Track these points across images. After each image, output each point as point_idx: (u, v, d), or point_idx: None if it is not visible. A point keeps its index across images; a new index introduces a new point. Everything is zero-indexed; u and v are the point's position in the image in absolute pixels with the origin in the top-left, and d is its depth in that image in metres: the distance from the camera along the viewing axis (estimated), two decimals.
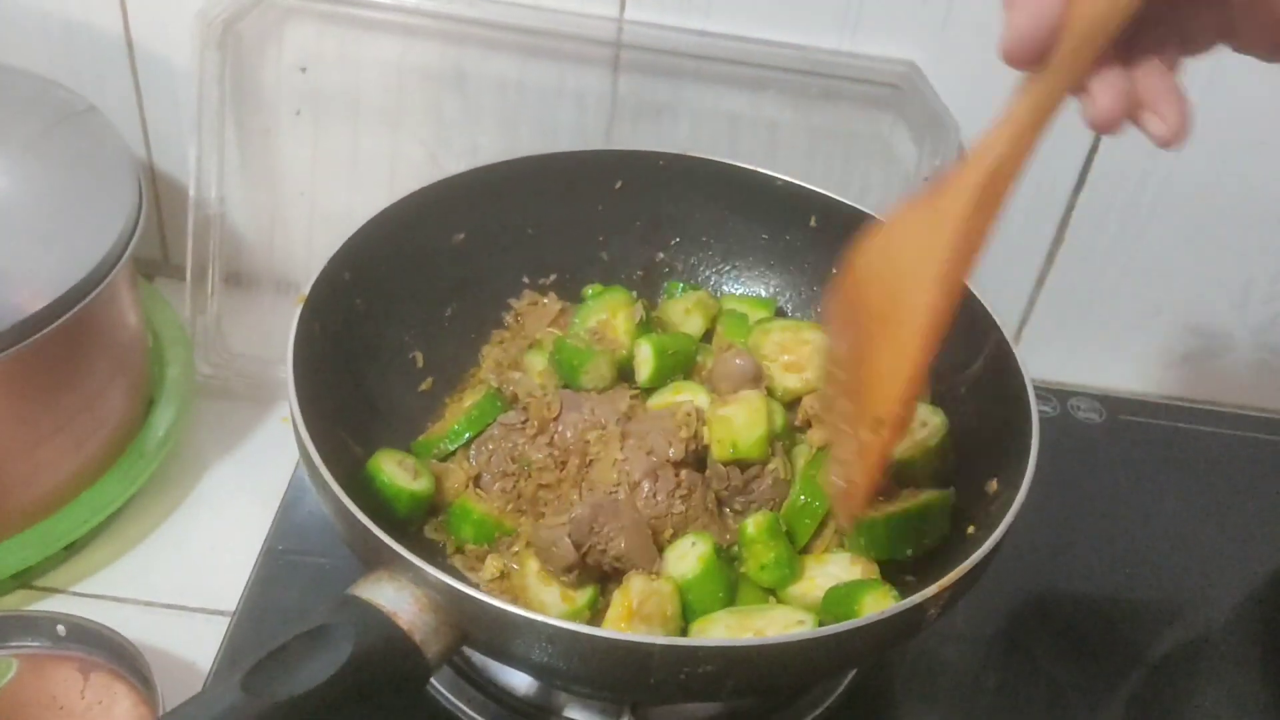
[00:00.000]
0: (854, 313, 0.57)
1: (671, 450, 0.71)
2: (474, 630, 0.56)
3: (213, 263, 0.94)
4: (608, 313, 0.82)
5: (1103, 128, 0.49)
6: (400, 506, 0.71)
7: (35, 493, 0.80)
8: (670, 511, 0.69)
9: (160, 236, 1.04)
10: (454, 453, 0.77)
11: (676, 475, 0.70)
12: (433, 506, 0.74)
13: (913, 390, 0.55)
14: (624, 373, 0.80)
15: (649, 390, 0.79)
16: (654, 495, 0.70)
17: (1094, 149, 0.94)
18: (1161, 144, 0.49)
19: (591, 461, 0.73)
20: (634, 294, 0.84)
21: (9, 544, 0.78)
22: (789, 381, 0.79)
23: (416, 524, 0.73)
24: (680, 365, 0.80)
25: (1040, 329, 1.04)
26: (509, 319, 0.85)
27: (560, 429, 0.75)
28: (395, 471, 0.72)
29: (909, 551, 0.68)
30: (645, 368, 0.80)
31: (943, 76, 0.90)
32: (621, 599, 0.65)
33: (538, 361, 0.82)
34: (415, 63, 0.92)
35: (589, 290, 0.85)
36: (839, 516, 0.68)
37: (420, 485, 0.72)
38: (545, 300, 0.85)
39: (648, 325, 0.82)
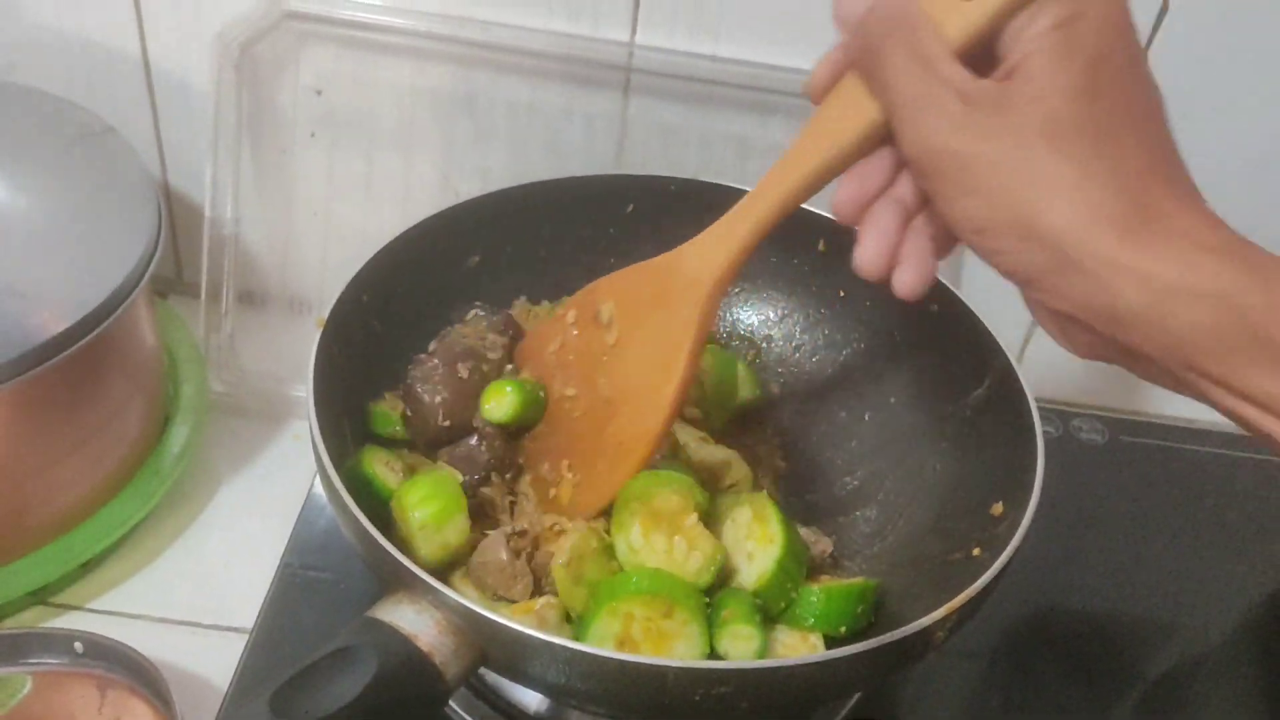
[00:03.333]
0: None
1: None
2: (493, 651, 0.57)
3: (227, 281, 0.95)
4: None
5: (864, 272, 0.54)
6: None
7: (53, 510, 0.81)
8: None
9: (174, 254, 1.06)
10: None
11: None
12: None
13: (657, 445, 0.65)
14: None
15: None
16: None
17: None
18: (901, 294, 0.54)
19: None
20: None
21: (26, 561, 0.79)
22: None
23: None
24: None
25: (1042, 349, 1.05)
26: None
27: None
28: (384, 472, 0.71)
29: (843, 629, 0.66)
30: None
31: None
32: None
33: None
34: (428, 86, 0.93)
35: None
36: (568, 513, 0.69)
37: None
38: (536, 309, 0.85)
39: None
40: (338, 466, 0.62)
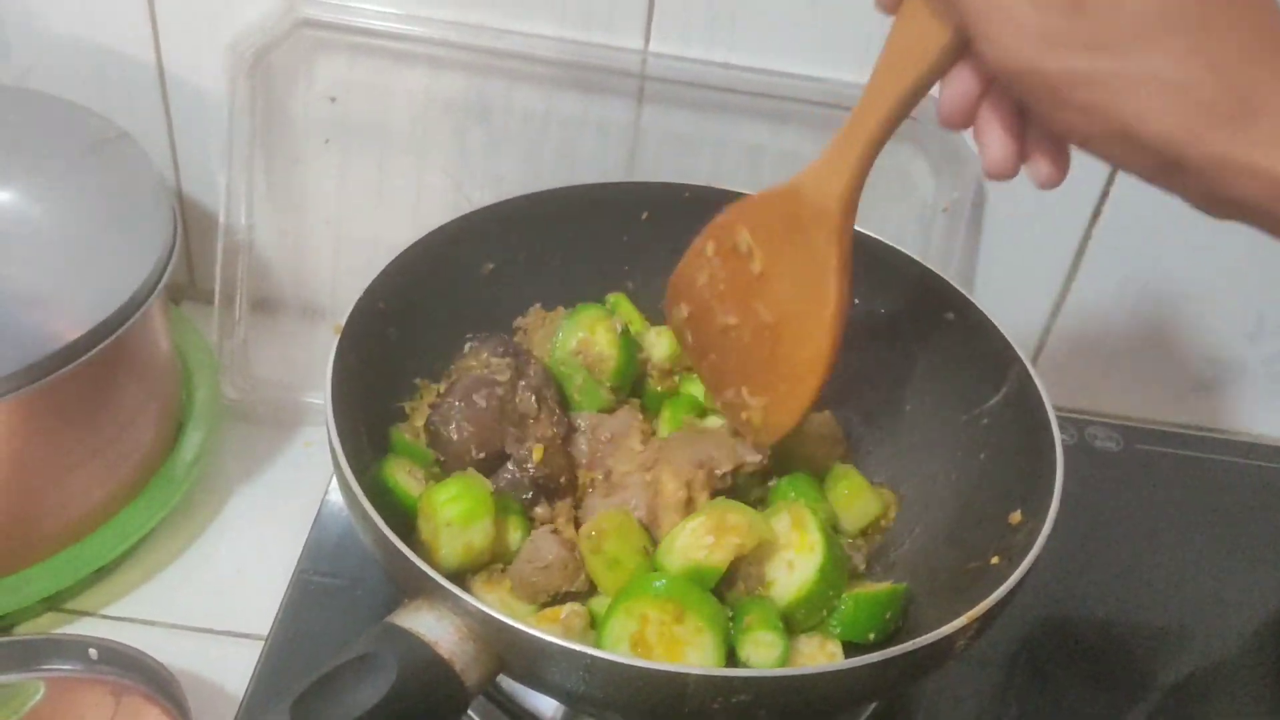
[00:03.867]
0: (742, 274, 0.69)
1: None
2: (512, 658, 0.57)
3: (240, 288, 0.95)
4: (586, 330, 0.81)
5: (993, 176, 0.54)
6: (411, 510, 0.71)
7: (67, 517, 0.81)
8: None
9: (188, 261, 1.06)
10: None
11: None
12: None
13: (831, 364, 0.67)
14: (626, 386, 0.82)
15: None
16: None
17: (1111, 180, 0.95)
18: (1040, 186, 0.54)
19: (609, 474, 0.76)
20: (608, 305, 0.85)
21: (41, 568, 0.79)
22: None
23: None
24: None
25: (1057, 357, 1.05)
26: (519, 336, 0.86)
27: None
28: (405, 480, 0.72)
29: (871, 636, 0.67)
30: (660, 345, 0.83)
31: None
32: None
33: None
34: (442, 94, 0.93)
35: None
36: (761, 437, 0.72)
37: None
38: (550, 315, 0.85)
39: (629, 337, 0.82)
40: (357, 473, 0.62)
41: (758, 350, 0.70)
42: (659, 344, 0.84)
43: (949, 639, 0.57)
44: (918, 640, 0.57)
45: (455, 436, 0.74)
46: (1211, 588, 0.92)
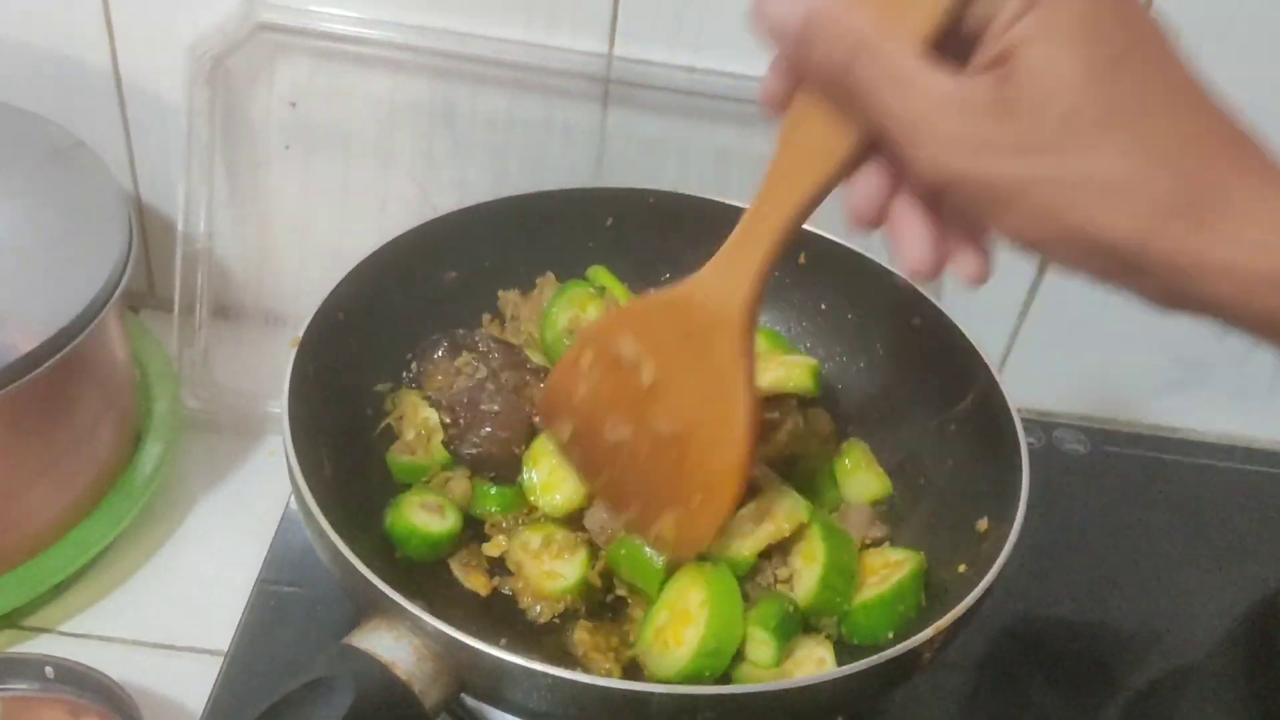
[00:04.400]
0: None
1: None
2: (472, 679, 0.56)
3: (200, 297, 0.94)
4: (576, 308, 0.81)
5: (914, 276, 0.51)
6: (433, 550, 0.71)
7: (23, 532, 0.79)
8: None
9: (147, 268, 1.04)
10: None
11: None
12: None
13: (746, 475, 0.63)
14: None
15: None
16: None
17: None
18: (969, 284, 0.51)
19: None
20: (590, 278, 0.84)
21: None
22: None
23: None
24: None
25: (1024, 358, 1.05)
26: (506, 313, 0.84)
27: None
28: (423, 518, 0.71)
29: (890, 634, 0.65)
30: None
31: None
32: None
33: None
34: (405, 98, 0.92)
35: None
36: (677, 552, 0.68)
37: (450, 523, 0.72)
38: (540, 280, 0.84)
39: None
40: (313, 489, 0.61)
41: (660, 464, 0.65)
42: None
43: (914, 652, 0.57)
44: (882, 654, 0.56)
45: (496, 451, 0.74)
46: (1180, 590, 0.92)
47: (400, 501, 0.72)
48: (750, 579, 0.68)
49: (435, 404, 0.76)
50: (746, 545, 0.68)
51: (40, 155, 0.86)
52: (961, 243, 0.50)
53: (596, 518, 0.71)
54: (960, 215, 0.49)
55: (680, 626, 0.64)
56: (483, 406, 0.74)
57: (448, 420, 0.75)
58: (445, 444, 0.75)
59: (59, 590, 0.82)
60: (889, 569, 0.69)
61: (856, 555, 0.69)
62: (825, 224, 0.83)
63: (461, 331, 0.79)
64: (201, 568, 0.86)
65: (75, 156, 0.86)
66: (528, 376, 0.76)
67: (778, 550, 0.69)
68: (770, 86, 0.52)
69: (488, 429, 0.74)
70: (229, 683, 0.75)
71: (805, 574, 0.68)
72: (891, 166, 0.50)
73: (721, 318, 0.60)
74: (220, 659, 0.77)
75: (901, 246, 0.50)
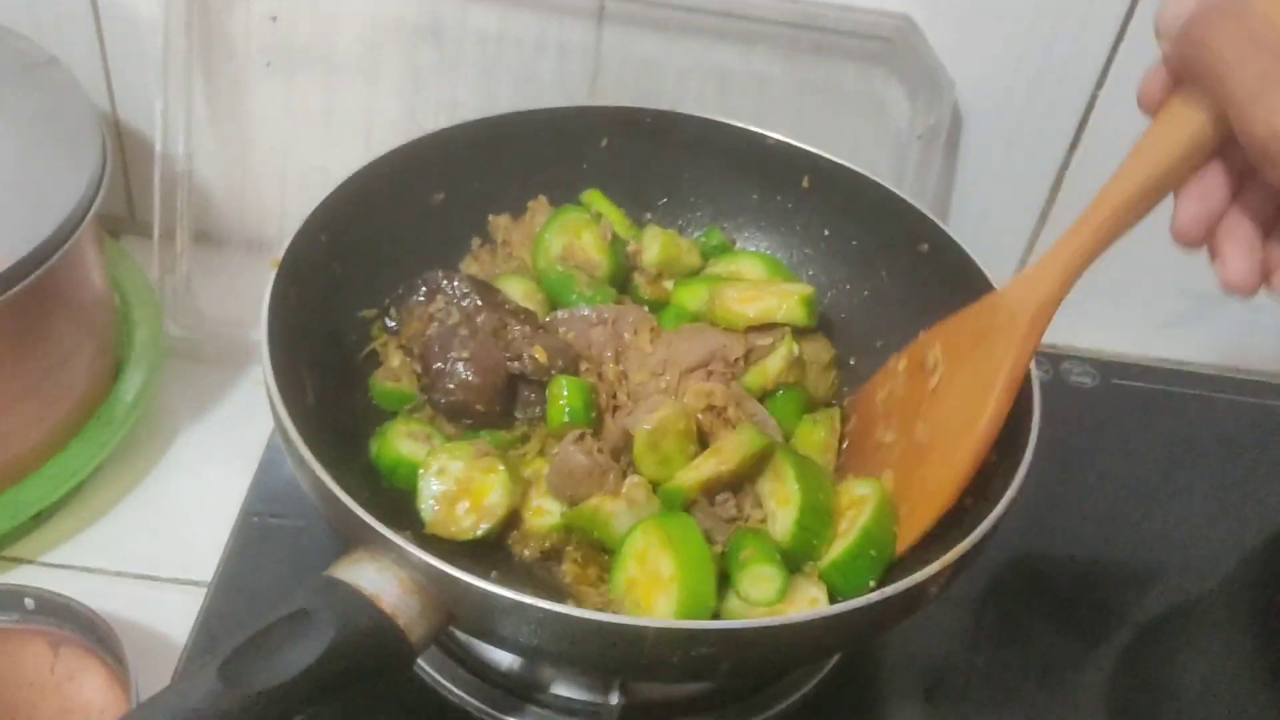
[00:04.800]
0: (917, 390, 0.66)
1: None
2: (460, 613, 0.54)
3: (181, 221, 0.90)
4: (570, 234, 0.78)
5: (1234, 292, 0.51)
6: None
7: (2, 460, 0.77)
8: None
9: (126, 193, 1.01)
10: None
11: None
12: None
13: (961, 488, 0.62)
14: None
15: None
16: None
17: (1090, 106, 0.92)
18: (1224, 290, 0.51)
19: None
20: (592, 212, 0.80)
21: None
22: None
23: None
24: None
25: None
26: (497, 238, 0.82)
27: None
28: (410, 447, 0.69)
29: (872, 583, 0.62)
30: (653, 247, 0.79)
31: (938, 31, 0.87)
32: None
33: (515, 287, 0.77)
34: (391, 13, 0.88)
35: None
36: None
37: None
38: (532, 204, 0.81)
39: (619, 242, 0.79)
40: (294, 416, 0.58)
41: (900, 470, 0.65)
42: (651, 247, 0.79)
43: (919, 587, 0.55)
44: (888, 589, 0.54)
45: (469, 397, 0.70)
46: (1186, 523, 0.90)
47: (386, 430, 0.70)
48: (727, 521, 0.66)
49: (408, 352, 0.73)
50: (689, 477, 0.65)
51: (11, 72, 0.82)
52: None
53: None
54: None
55: (652, 590, 0.61)
56: (452, 353, 0.71)
57: (419, 369, 0.72)
58: (420, 393, 0.72)
59: (39, 520, 0.80)
60: (855, 509, 0.65)
61: (833, 492, 0.66)
62: (828, 145, 0.80)
63: (441, 273, 0.75)
64: (185, 498, 0.84)
65: (47, 73, 0.83)
66: (506, 318, 0.73)
67: (748, 491, 0.67)
68: (1148, 87, 0.53)
69: (461, 375, 0.70)
70: (213, 614, 0.74)
71: (781, 516, 0.65)
72: (1229, 174, 0.50)
73: (1011, 317, 0.60)
74: (204, 590, 0.76)
75: (1225, 261, 0.50)
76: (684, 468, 0.66)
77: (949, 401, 0.63)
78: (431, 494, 0.65)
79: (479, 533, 0.65)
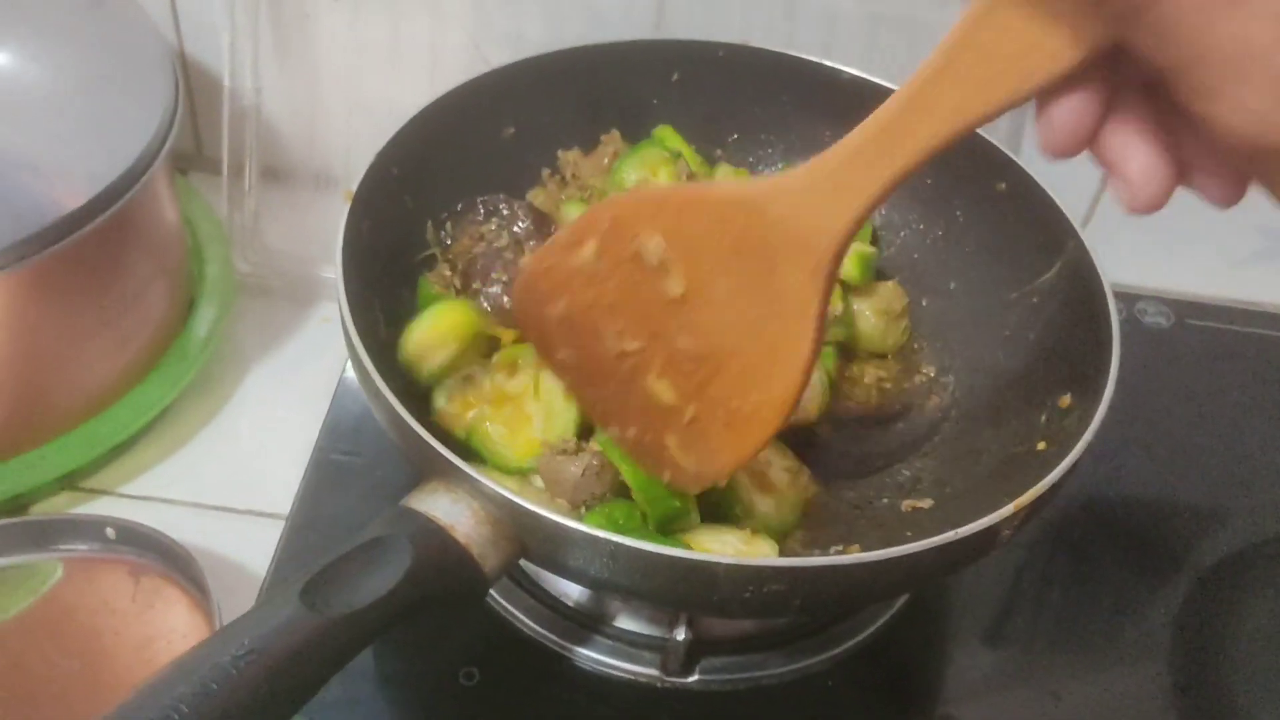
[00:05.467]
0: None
1: None
2: (532, 544, 0.54)
3: (249, 157, 0.91)
4: (646, 170, 0.77)
5: (1139, 210, 0.42)
6: None
7: (80, 393, 0.79)
8: None
9: (194, 128, 1.01)
10: None
11: None
12: None
13: (790, 414, 0.55)
14: None
15: None
16: None
17: None
18: (1218, 205, 0.43)
19: None
20: (671, 150, 0.78)
21: (55, 445, 0.78)
22: None
23: None
24: None
25: (1104, 228, 1.00)
26: (566, 172, 0.81)
27: None
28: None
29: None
30: None
31: None
32: None
33: (577, 213, 0.76)
34: None
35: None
36: (685, 485, 0.60)
37: None
38: (605, 137, 0.81)
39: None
40: (370, 351, 0.59)
41: (676, 386, 0.57)
42: None
43: (993, 529, 0.54)
44: (959, 530, 0.53)
45: (500, 320, 0.71)
46: (1263, 466, 0.88)
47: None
48: None
49: (452, 266, 0.74)
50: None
51: (80, 5, 0.83)
52: (1208, 164, 0.41)
53: None
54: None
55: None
56: (494, 274, 0.71)
57: (458, 284, 0.73)
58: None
59: (118, 452, 0.82)
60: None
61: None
62: (901, 79, 0.78)
63: (503, 197, 0.75)
64: (259, 432, 0.86)
65: (117, 6, 0.83)
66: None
67: None
68: None
69: (495, 296, 0.71)
70: (291, 544, 0.75)
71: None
72: (1107, 84, 0.41)
73: (805, 243, 0.50)
74: (279, 522, 0.77)
75: (1123, 176, 0.41)
76: None
77: (719, 314, 0.54)
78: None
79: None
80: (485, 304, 0.71)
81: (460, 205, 0.75)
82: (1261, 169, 0.38)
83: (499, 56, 0.77)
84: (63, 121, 0.76)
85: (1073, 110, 0.41)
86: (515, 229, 0.74)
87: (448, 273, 0.74)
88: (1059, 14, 0.39)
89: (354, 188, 0.66)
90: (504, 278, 0.71)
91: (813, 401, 0.71)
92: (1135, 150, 0.41)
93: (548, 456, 0.63)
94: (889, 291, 0.77)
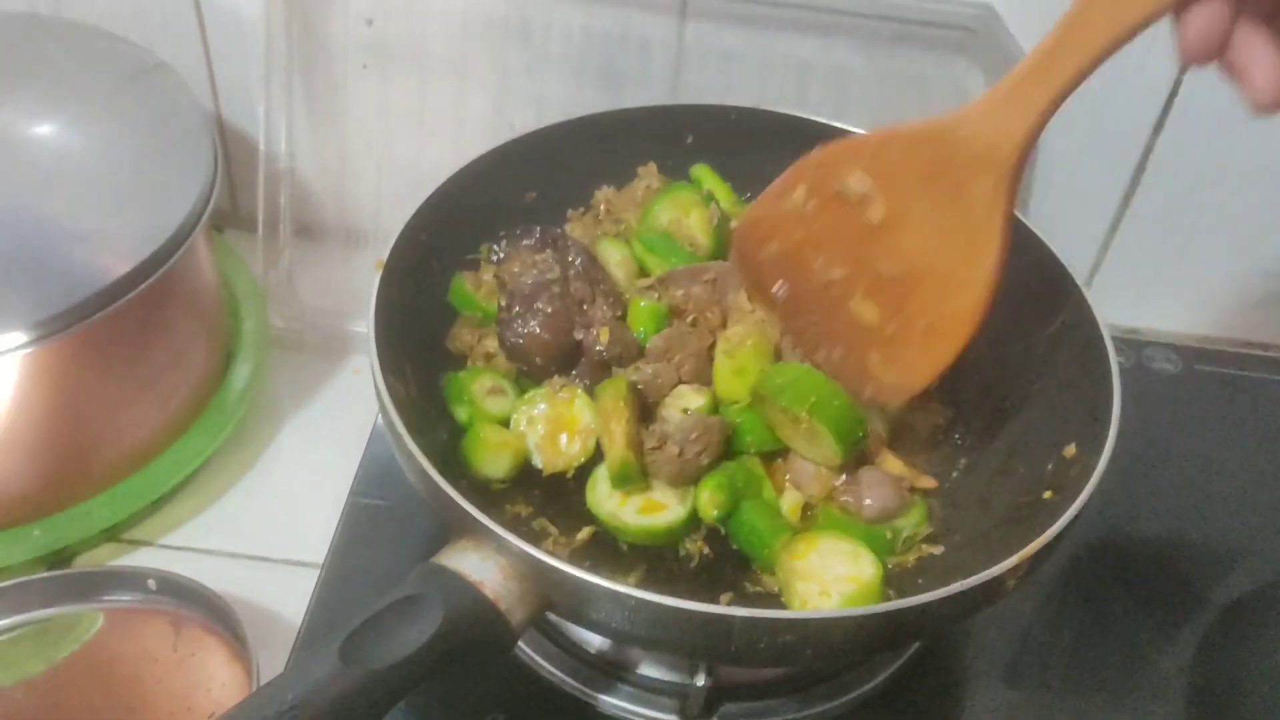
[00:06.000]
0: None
1: None
2: (557, 599, 0.57)
3: (284, 216, 0.95)
4: (679, 211, 0.80)
5: (1265, 109, 0.47)
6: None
7: (123, 449, 0.82)
8: None
9: (230, 188, 1.05)
10: None
11: None
12: None
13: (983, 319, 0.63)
14: None
15: None
16: None
17: (1174, 91, 0.91)
18: (1253, 109, 0.48)
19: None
20: (704, 192, 0.82)
21: (99, 500, 0.81)
22: None
23: None
24: None
25: (1114, 273, 1.02)
26: (600, 207, 0.84)
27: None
28: (493, 403, 0.74)
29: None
30: None
31: (1020, 20, 0.87)
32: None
33: (614, 252, 0.80)
34: (480, 13, 0.91)
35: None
36: (888, 397, 0.68)
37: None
38: (642, 169, 0.84)
39: (725, 224, 0.80)
40: (401, 413, 0.62)
41: (878, 306, 0.64)
42: None
43: (999, 579, 0.57)
44: (967, 581, 0.56)
45: (533, 347, 0.74)
46: (1272, 510, 0.90)
47: (464, 389, 0.74)
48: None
49: (500, 285, 0.77)
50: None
51: (123, 77, 0.86)
52: None
53: (645, 370, 0.72)
54: None
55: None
56: (538, 304, 0.74)
57: (503, 303, 0.76)
58: (495, 325, 0.76)
59: (159, 505, 0.85)
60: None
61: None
62: None
63: (562, 230, 0.80)
64: (294, 482, 0.89)
65: (157, 77, 0.87)
66: (598, 294, 0.76)
67: None
68: None
69: (533, 326, 0.74)
70: (326, 594, 0.78)
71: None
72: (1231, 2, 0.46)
73: (989, 157, 0.57)
74: (315, 570, 0.80)
75: (1249, 78, 0.47)
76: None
77: (916, 235, 0.62)
78: (533, 445, 0.72)
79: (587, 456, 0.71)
80: (523, 328, 0.74)
81: (519, 229, 0.79)
82: None
83: (522, 119, 0.81)
84: (107, 191, 0.80)
85: (1204, 21, 0.46)
86: (566, 265, 0.77)
87: (487, 277, 0.78)
88: None
89: (384, 255, 0.70)
90: (548, 309, 0.74)
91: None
92: (1260, 54, 0.46)
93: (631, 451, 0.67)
94: None
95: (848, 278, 0.65)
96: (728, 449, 0.70)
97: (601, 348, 0.73)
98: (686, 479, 0.68)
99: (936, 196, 0.60)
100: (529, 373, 0.76)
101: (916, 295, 0.63)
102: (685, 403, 0.71)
